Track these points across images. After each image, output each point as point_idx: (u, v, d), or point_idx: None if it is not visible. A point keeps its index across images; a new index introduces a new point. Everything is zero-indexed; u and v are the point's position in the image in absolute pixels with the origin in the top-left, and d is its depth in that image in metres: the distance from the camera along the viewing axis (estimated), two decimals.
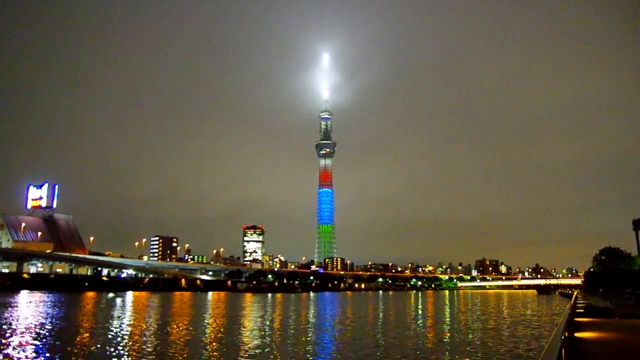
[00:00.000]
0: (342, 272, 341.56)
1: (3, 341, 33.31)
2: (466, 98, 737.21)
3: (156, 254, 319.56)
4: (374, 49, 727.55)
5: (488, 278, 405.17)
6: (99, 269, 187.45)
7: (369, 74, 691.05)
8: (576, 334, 20.04)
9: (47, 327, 43.26)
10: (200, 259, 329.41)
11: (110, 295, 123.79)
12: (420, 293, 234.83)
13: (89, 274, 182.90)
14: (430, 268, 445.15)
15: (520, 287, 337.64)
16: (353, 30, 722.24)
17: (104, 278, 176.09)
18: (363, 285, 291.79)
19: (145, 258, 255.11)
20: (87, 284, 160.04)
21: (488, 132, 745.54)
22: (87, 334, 39.40)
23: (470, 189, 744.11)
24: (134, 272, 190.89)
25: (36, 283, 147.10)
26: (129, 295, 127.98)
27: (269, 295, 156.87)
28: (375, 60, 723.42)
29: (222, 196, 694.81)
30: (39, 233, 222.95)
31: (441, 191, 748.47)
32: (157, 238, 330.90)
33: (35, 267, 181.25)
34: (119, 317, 57.52)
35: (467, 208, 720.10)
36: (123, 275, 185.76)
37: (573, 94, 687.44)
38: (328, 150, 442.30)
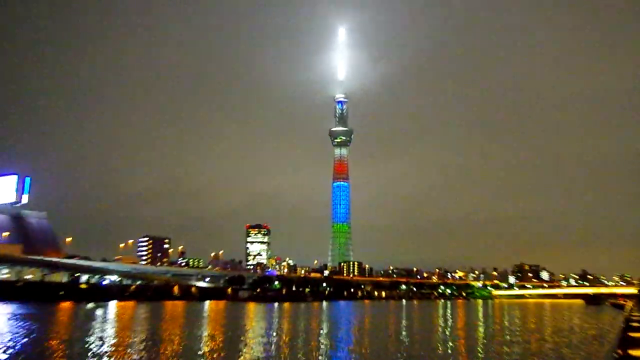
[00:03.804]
0: (359, 278, 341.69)
1: None
2: (506, 87, 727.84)
3: (145, 257, 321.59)
4: (408, 25, 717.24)
5: (528, 286, 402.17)
6: (77, 275, 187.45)
7: (399, 54, 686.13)
8: (630, 352, 19.70)
9: (10, 345, 43.48)
10: (196, 263, 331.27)
11: (90, 305, 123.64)
12: (449, 303, 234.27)
13: (64, 281, 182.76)
14: (461, 274, 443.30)
15: (566, 296, 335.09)
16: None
17: (83, 286, 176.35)
18: (383, 294, 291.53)
19: (132, 262, 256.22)
20: (62, 292, 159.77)
21: (529, 123, 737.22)
22: (60, 353, 39.56)
23: (508, 185, 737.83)
24: (118, 279, 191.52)
25: (1, 292, 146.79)
26: (112, 305, 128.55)
27: (275, 304, 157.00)
28: (408, 39, 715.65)
29: (222, 191, 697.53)
30: (5, 233, 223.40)
31: (474, 187, 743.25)
32: (146, 239, 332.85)
33: None
34: (99, 331, 57.84)
35: (504, 206, 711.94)
36: (105, 282, 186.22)
37: (620, 81, 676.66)
38: (344, 138, 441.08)
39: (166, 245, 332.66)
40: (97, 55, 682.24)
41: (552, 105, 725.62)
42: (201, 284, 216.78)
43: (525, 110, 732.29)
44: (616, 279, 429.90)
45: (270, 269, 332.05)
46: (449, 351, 47.15)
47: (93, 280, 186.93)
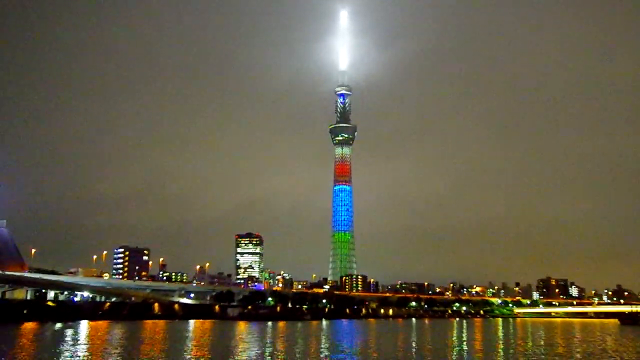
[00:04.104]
0: (363, 294, 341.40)
1: None
2: (528, 76, 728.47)
3: (121, 271, 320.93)
4: (417, 7, 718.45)
5: (554, 303, 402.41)
6: (43, 291, 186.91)
7: (408, 41, 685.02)
8: None
9: None
10: (179, 277, 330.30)
11: (58, 326, 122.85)
12: (465, 322, 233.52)
13: (28, 298, 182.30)
14: (478, 289, 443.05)
15: (598, 315, 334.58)
16: None
17: (50, 303, 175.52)
18: (391, 311, 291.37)
19: (106, 276, 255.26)
20: (26, 311, 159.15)
21: (554, 118, 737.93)
22: None
23: (531, 189, 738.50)
24: (90, 295, 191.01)
25: None
26: (83, 325, 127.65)
27: (269, 323, 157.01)
28: (418, 24, 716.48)
29: (208, 196, 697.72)
30: None
31: (493, 192, 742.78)
32: (122, 250, 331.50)
33: None
34: (68, 355, 57.08)
35: (527, 213, 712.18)
36: (76, 299, 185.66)
37: None
38: (346, 136, 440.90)
39: (145, 257, 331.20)
40: (80, 52, 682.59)
41: (584, 99, 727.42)
42: (185, 300, 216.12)
43: (550, 105, 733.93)
44: None
45: (258, 284, 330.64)
46: None
47: (61, 297, 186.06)
